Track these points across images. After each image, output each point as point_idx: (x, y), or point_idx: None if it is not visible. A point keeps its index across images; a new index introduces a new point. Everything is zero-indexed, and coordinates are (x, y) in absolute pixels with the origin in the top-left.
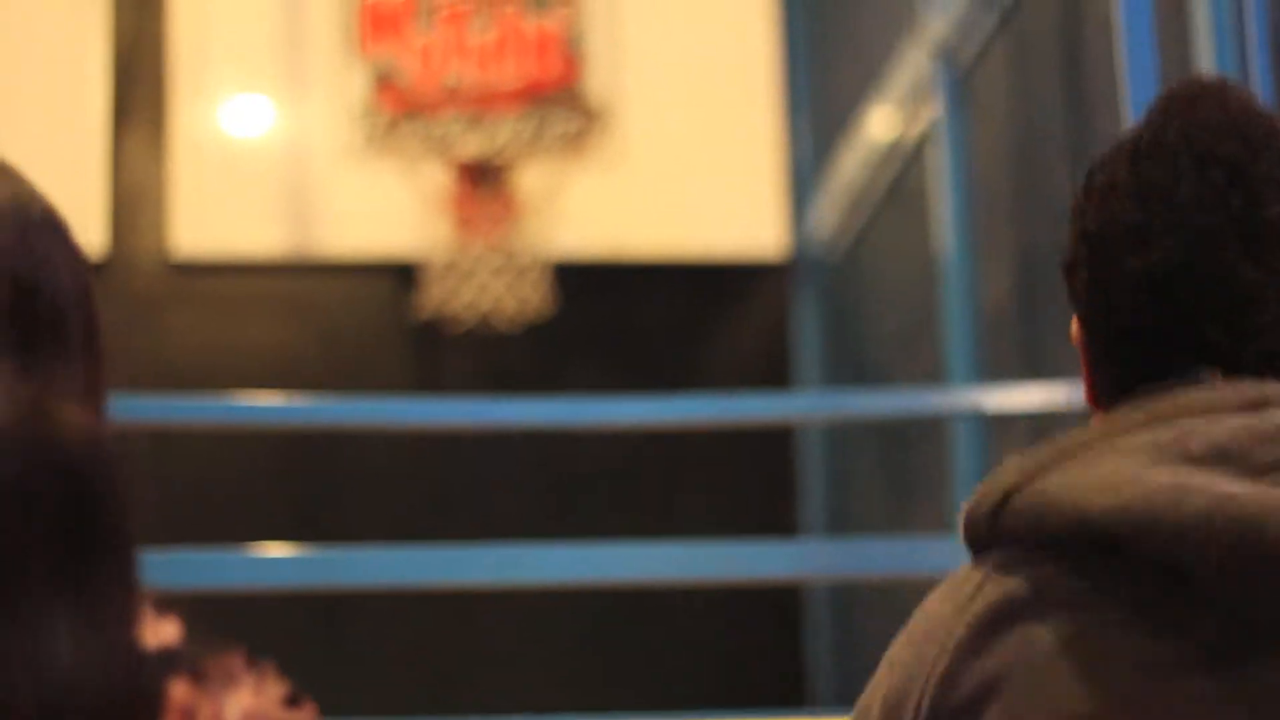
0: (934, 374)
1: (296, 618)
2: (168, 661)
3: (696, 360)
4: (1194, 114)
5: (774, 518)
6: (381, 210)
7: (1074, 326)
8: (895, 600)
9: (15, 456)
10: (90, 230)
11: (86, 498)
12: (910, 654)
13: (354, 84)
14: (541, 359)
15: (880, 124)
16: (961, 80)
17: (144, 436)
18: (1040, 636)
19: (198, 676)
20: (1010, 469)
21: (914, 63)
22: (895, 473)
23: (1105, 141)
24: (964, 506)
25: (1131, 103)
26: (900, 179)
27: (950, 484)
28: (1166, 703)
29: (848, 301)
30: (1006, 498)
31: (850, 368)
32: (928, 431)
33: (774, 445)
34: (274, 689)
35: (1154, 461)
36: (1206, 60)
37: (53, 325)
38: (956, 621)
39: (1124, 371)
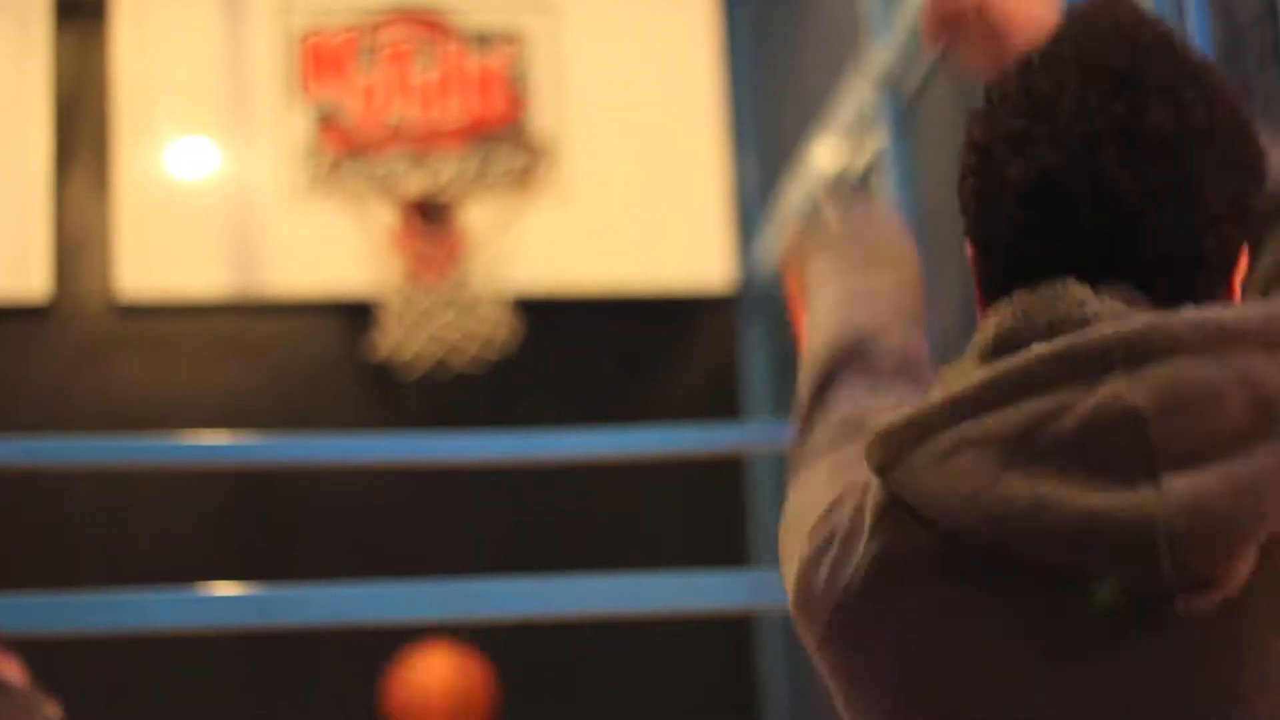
0: None
1: (246, 657)
2: None
3: (646, 393)
4: (1086, 26)
5: (726, 548)
6: (328, 250)
7: (967, 247)
8: None
9: None
10: (34, 274)
11: None
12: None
13: (297, 124)
14: (492, 395)
15: (826, 155)
16: (906, 110)
17: (91, 478)
18: (912, 602)
19: None
20: (900, 422)
21: (858, 93)
22: None
23: None
24: (881, 426)
25: None
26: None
27: None
28: (1031, 683)
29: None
30: (883, 469)
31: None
32: None
33: (725, 476)
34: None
35: (1010, 463)
36: None
37: None
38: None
39: (1004, 278)
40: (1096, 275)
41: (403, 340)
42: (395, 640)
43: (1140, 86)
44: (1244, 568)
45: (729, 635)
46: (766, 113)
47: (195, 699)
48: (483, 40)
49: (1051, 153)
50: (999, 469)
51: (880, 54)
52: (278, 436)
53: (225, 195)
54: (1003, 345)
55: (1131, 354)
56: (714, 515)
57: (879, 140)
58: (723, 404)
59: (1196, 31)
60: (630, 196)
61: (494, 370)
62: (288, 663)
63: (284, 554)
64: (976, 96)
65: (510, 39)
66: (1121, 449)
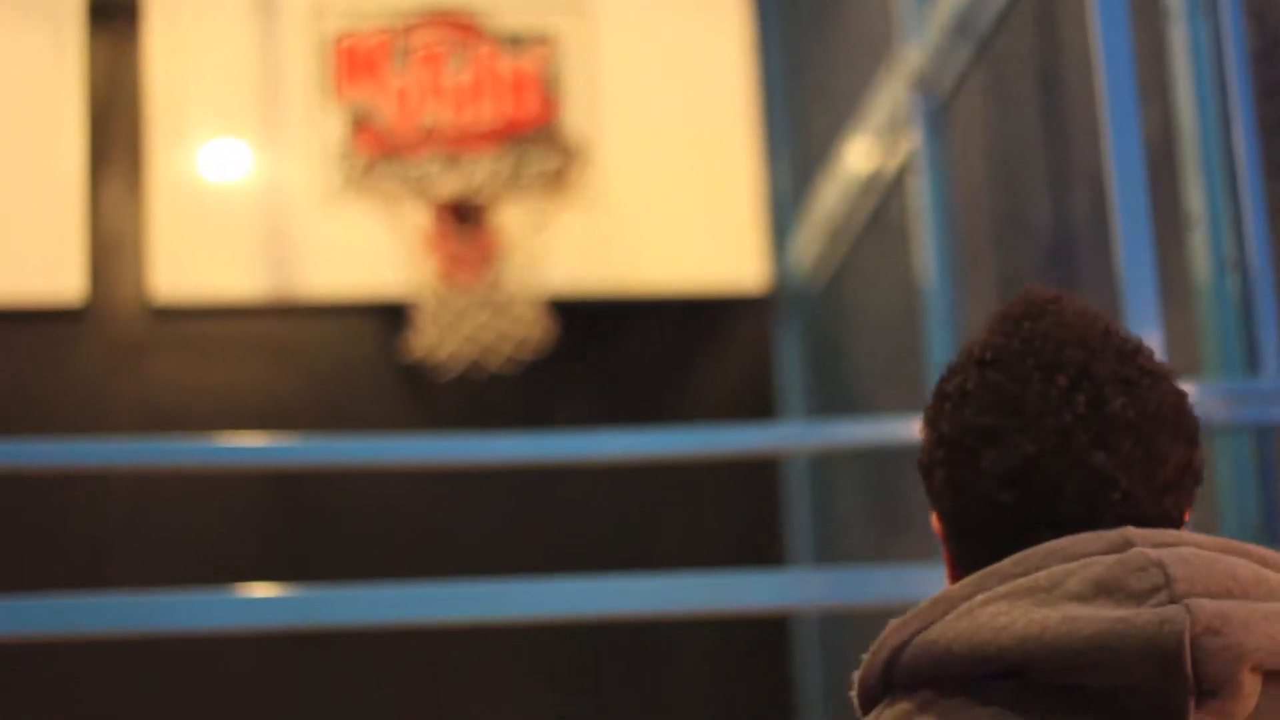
0: (916, 402)
1: (283, 658)
2: None
3: (680, 393)
4: (1035, 324)
5: (760, 548)
6: (362, 251)
7: (934, 521)
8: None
9: None
10: (70, 276)
11: None
12: None
13: (331, 126)
14: (526, 396)
15: (859, 155)
16: (939, 110)
17: (126, 479)
18: None
19: None
20: (892, 629)
21: (891, 94)
22: (880, 501)
23: (1084, 168)
24: (855, 677)
25: (1111, 129)
26: (880, 209)
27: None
28: None
29: (830, 332)
30: (895, 654)
31: (833, 397)
32: (912, 460)
33: (760, 476)
34: None
35: (1038, 603)
36: (1185, 87)
37: None
38: None
39: (987, 552)
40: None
41: (437, 341)
42: (430, 641)
43: (1096, 379)
44: (1254, 689)
45: (764, 635)
46: (799, 113)
47: (230, 699)
48: (515, 42)
49: (1027, 443)
50: (1030, 607)
51: (913, 54)
52: (312, 438)
53: (259, 197)
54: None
55: (1149, 539)
56: (748, 515)
57: (912, 140)
58: (756, 404)
59: (1232, 39)
60: (663, 197)
61: (528, 371)
62: (323, 663)
63: (319, 555)
64: (1009, 98)
65: (543, 40)
66: (1145, 583)
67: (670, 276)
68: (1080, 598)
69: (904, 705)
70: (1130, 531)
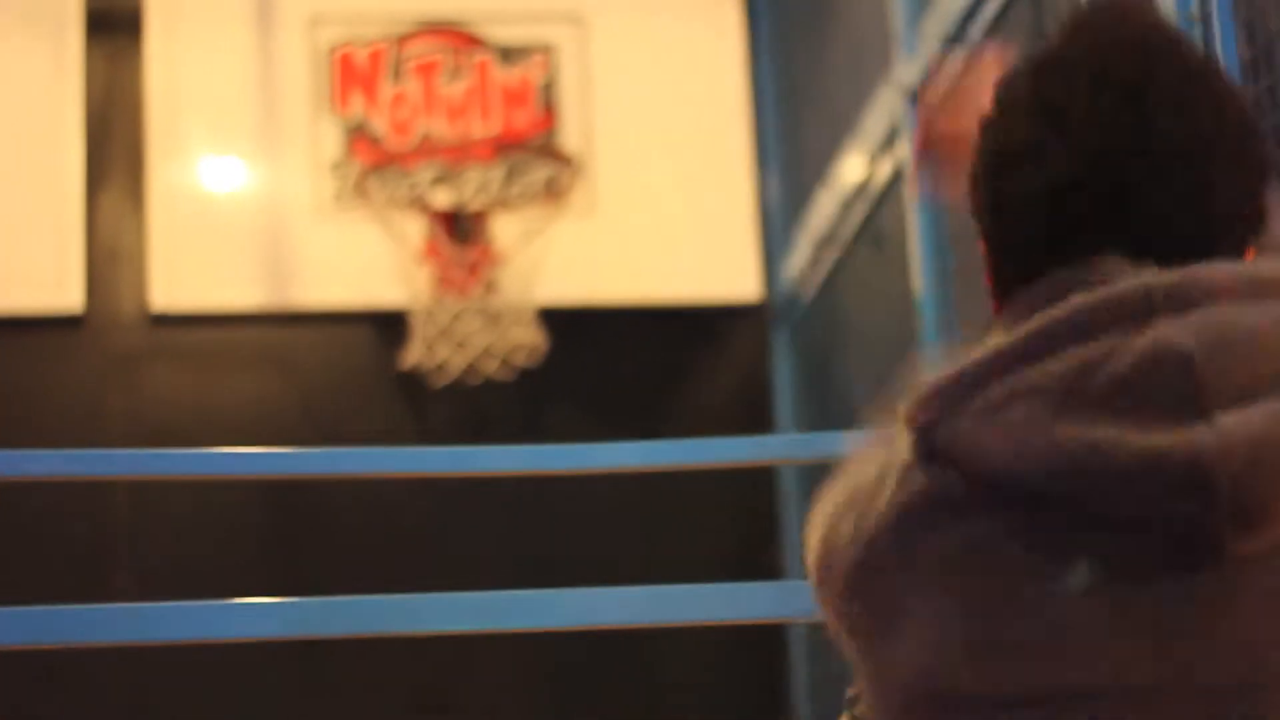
0: None
1: (279, 668)
2: None
3: (675, 404)
4: (1095, 33)
5: (755, 560)
6: (358, 261)
7: (979, 237)
8: None
9: None
10: (68, 286)
11: None
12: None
13: (327, 137)
14: (521, 406)
15: (853, 166)
16: None
17: (123, 489)
18: (938, 543)
19: None
20: (947, 379)
21: (885, 104)
22: None
23: None
24: (925, 385)
25: None
26: (874, 220)
27: None
28: (1072, 615)
29: (824, 342)
30: (929, 429)
31: (828, 408)
32: None
33: (754, 487)
34: None
35: (1064, 411)
36: None
37: None
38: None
39: (1022, 278)
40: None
41: (432, 351)
42: (426, 652)
43: (1149, 96)
44: None
45: (759, 647)
46: (793, 124)
47: (226, 709)
48: (511, 53)
49: (1065, 159)
50: (1052, 418)
51: (906, 65)
52: (309, 449)
53: (256, 208)
54: (1038, 307)
55: (1174, 300)
56: (743, 526)
57: (905, 151)
58: (751, 414)
59: (1222, 43)
60: (658, 208)
61: (523, 381)
62: (319, 675)
63: (315, 565)
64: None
65: (538, 51)
66: (1172, 390)
67: (665, 287)
68: (1107, 409)
69: (925, 479)
70: (1153, 291)
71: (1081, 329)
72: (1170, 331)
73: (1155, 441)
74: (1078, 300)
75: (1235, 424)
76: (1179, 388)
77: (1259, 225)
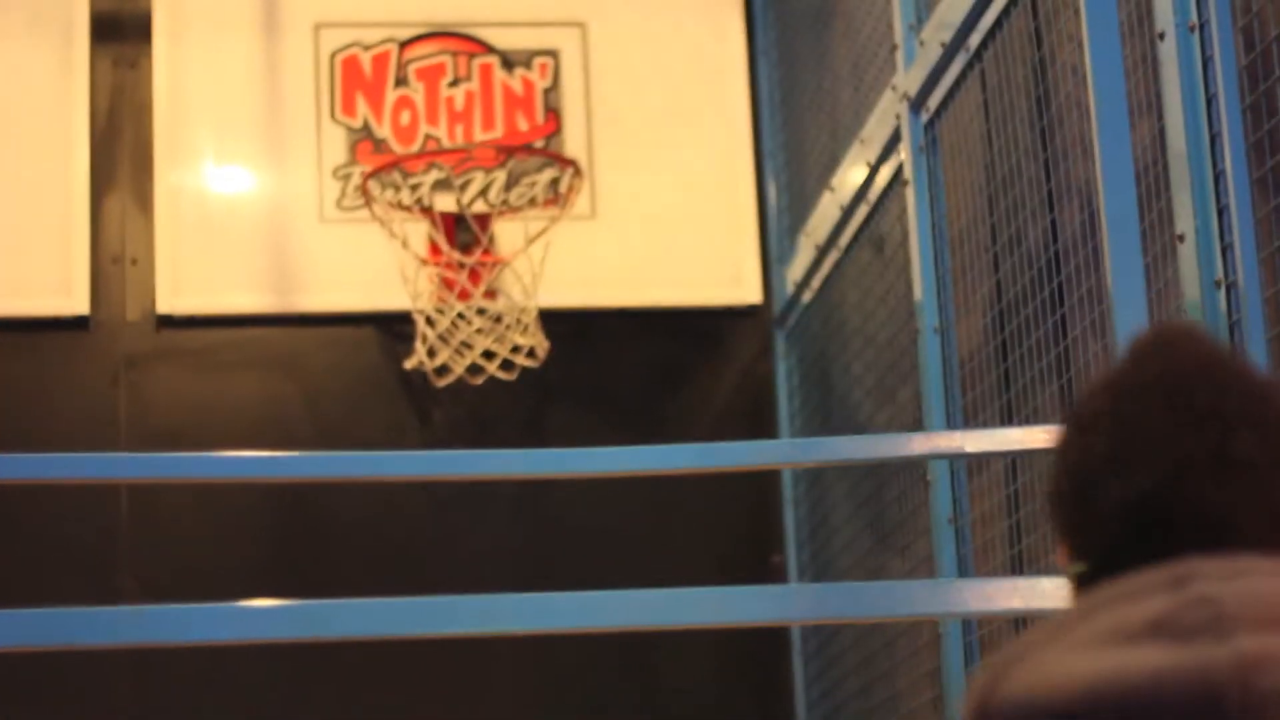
0: (910, 417)
1: (285, 670)
2: None
3: (676, 406)
4: (1169, 357)
5: (758, 562)
6: (362, 265)
7: (1060, 553)
8: (875, 637)
9: None
10: (74, 289)
11: None
12: None
13: (331, 141)
14: (524, 408)
15: (853, 171)
16: (931, 126)
17: (129, 491)
18: None
19: None
20: (983, 676)
21: (885, 110)
22: (873, 515)
23: (1076, 184)
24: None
25: (1102, 147)
26: (874, 225)
27: (929, 526)
28: None
29: (825, 345)
30: (984, 705)
31: (829, 410)
32: (902, 473)
33: (757, 490)
34: None
35: (1098, 648)
36: (1175, 105)
37: None
38: None
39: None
40: None
41: (436, 354)
42: (429, 654)
43: (1222, 416)
44: None
45: (762, 650)
46: (794, 129)
47: (232, 711)
48: (514, 57)
49: (1145, 477)
50: (1089, 653)
51: (906, 71)
52: (314, 453)
53: (261, 211)
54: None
55: (1217, 571)
56: (745, 529)
57: (905, 156)
58: (753, 416)
59: (1221, 57)
60: (660, 211)
61: (525, 384)
62: (324, 676)
63: (320, 567)
64: (1002, 115)
65: (541, 56)
66: (1197, 620)
67: (666, 290)
68: (1136, 639)
69: None
70: (1195, 564)
71: (1124, 595)
72: (1207, 582)
73: (1169, 657)
74: (1126, 579)
75: (1254, 641)
76: (1203, 617)
77: None
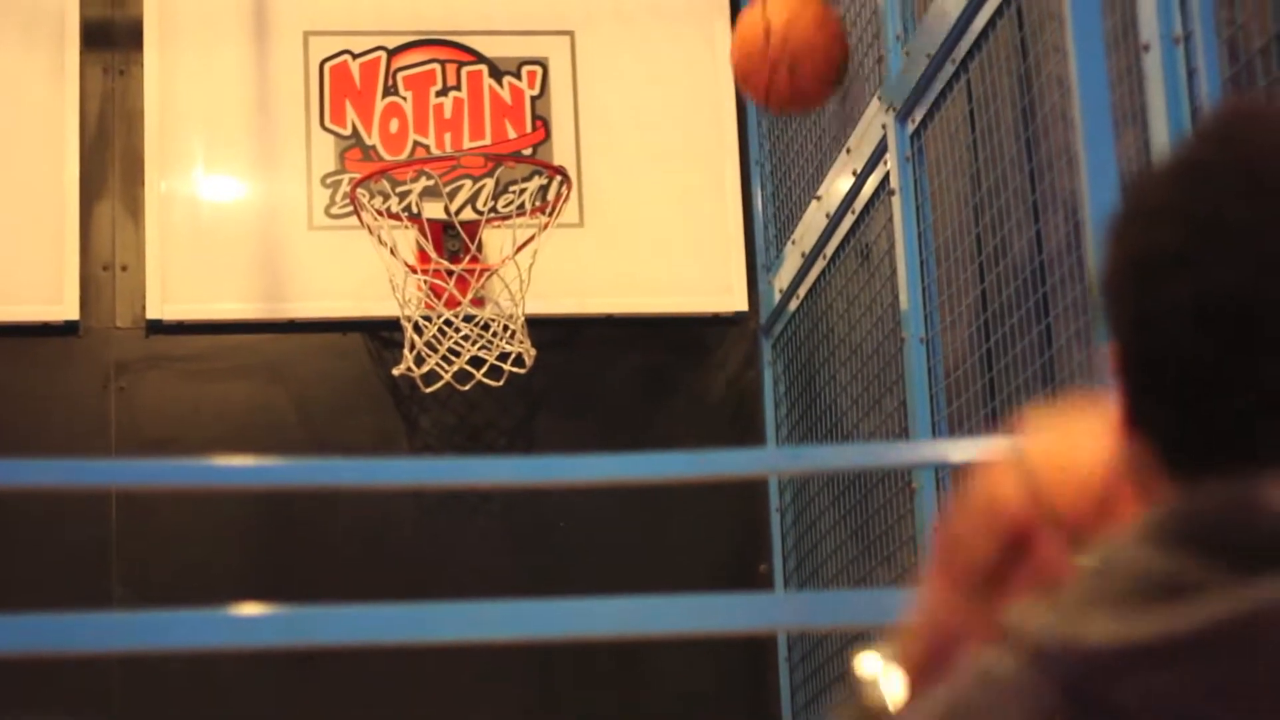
0: (896, 425)
1: (273, 676)
2: None
3: (663, 413)
4: (1244, 138)
5: (744, 570)
6: (351, 272)
7: (1111, 356)
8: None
9: None
10: (65, 295)
11: None
12: None
13: (320, 149)
14: (511, 416)
15: (840, 180)
16: (918, 136)
17: (118, 498)
18: None
19: None
20: (1028, 618)
21: (871, 120)
22: (859, 524)
23: (1061, 194)
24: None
25: (1087, 157)
26: (860, 234)
27: (914, 534)
28: None
29: (812, 354)
30: (1039, 650)
31: (815, 418)
32: (888, 481)
33: (744, 497)
34: None
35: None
36: (1159, 114)
37: None
38: None
39: (1170, 412)
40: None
41: (424, 361)
42: (418, 661)
43: None
44: None
45: (748, 658)
46: (781, 137)
47: (221, 717)
48: (502, 65)
49: (1226, 271)
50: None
51: (892, 81)
52: (303, 459)
53: (250, 218)
54: (1173, 577)
55: None
56: (733, 537)
57: (891, 165)
58: (740, 424)
59: (1205, 67)
60: (648, 219)
61: (513, 390)
62: (312, 682)
63: (308, 573)
64: (988, 125)
65: (529, 64)
66: None
67: (654, 298)
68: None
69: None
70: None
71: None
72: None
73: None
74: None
75: None
76: None
77: None
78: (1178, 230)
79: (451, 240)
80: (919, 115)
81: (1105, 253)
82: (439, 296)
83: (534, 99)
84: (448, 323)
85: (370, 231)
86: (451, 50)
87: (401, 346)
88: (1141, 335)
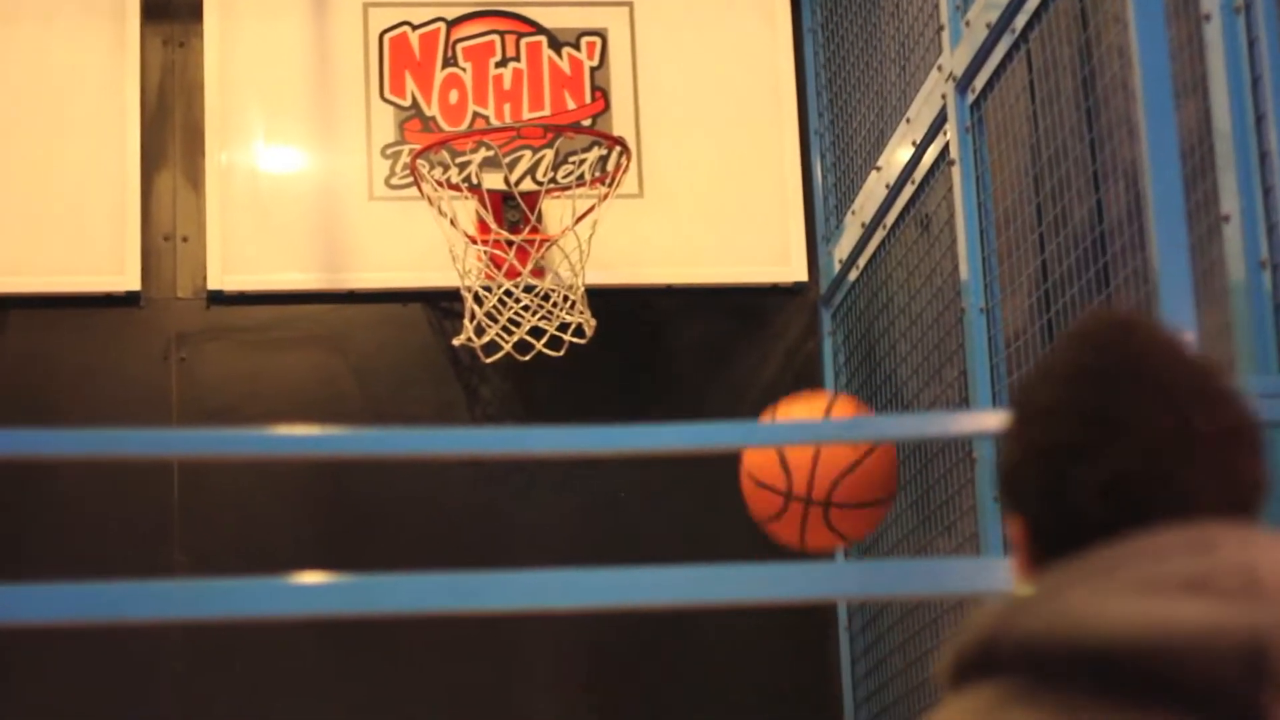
0: (956, 394)
1: (333, 644)
2: None
3: (723, 384)
4: (1120, 345)
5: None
6: (411, 243)
7: (1012, 526)
8: (921, 615)
9: None
10: (126, 265)
11: None
12: None
13: (380, 120)
14: (570, 385)
15: (899, 151)
16: (977, 107)
17: (180, 467)
18: None
19: None
20: (980, 616)
21: (931, 90)
22: (919, 493)
23: (1121, 164)
24: (950, 648)
25: (1148, 127)
26: (920, 204)
27: (975, 504)
28: None
29: (871, 324)
30: (986, 640)
31: (874, 388)
32: (948, 451)
33: None
34: None
35: (1129, 595)
36: (1220, 85)
37: None
38: None
39: (1072, 555)
40: None
41: (484, 331)
42: (476, 629)
43: (1180, 397)
44: None
45: (808, 627)
46: (841, 108)
47: (281, 684)
48: (561, 36)
49: (1118, 458)
50: (1121, 598)
51: (953, 51)
52: (362, 430)
53: (311, 189)
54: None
55: (1234, 539)
56: None
57: (951, 136)
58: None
59: (1265, 37)
60: (707, 190)
61: (573, 361)
62: (371, 650)
63: (368, 542)
64: (1048, 95)
65: (589, 35)
66: (1235, 583)
67: (713, 268)
68: (1170, 594)
69: (988, 692)
70: (1215, 532)
71: (1146, 553)
72: (1233, 550)
73: (1216, 612)
74: (1145, 538)
75: None
76: (1240, 581)
77: (1265, 497)
78: (1076, 425)
79: (511, 211)
80: (979, 85)
81: (1006, 446)
82: (499, 267)
83: (593, 70)
84: (508, 293)
85: (430, 202)
86: (510, 21)
87: (461, 317)
88: (1048, 508)
